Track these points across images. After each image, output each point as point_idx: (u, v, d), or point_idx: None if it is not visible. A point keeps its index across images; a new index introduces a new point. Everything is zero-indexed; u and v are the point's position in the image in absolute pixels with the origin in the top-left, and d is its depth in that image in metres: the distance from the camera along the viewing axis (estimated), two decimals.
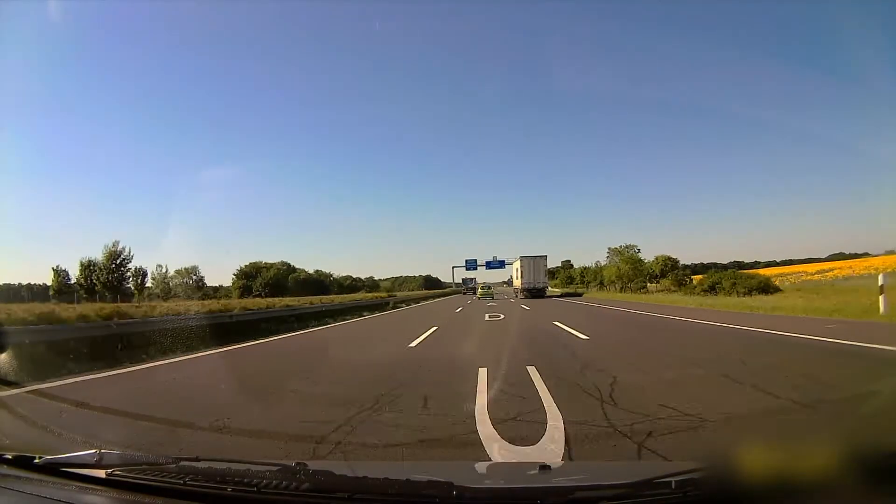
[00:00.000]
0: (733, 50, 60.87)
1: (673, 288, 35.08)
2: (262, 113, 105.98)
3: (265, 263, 56.98)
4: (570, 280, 64.73)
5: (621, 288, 41.22)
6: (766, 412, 3.48)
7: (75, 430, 3.32)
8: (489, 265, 68.57)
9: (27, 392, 4.83)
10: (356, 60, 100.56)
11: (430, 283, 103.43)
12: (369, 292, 56.71)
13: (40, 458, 1.50)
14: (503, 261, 66.78)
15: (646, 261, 42.21)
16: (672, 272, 38.21)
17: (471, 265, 70.89)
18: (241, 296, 47.05)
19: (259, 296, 41.71)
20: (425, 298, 42.68)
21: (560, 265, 78.58)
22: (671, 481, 1.19)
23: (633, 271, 40.66)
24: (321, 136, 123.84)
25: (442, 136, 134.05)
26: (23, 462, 1.52)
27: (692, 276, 37.35)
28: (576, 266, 71.77)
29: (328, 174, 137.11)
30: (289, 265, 63.39)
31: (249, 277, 54.88)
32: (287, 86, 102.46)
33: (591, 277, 53.43)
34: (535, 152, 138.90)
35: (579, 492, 1.21)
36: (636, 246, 44.54)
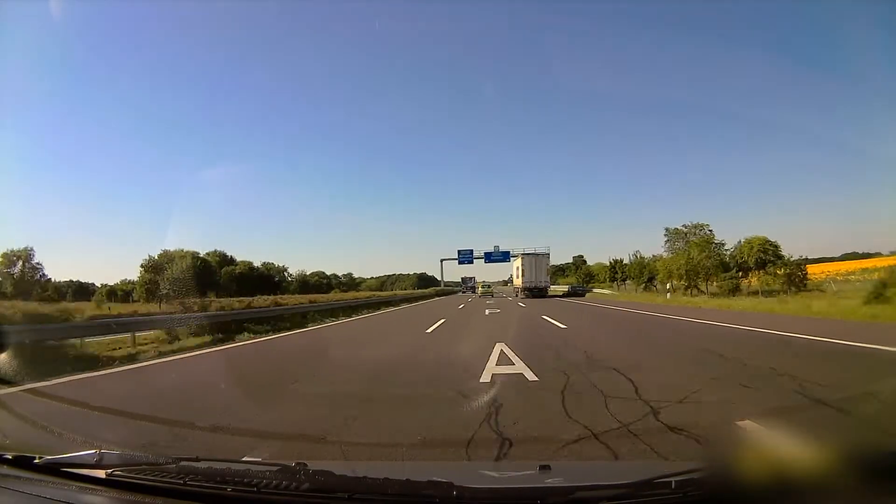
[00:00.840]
0: (737, 48, 60.70)
1: (774, 286, 24.22)
2: (240, 103, 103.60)
3: (182, 252, 40.63)
4: (588, 278, 53.51)
5: (688, 287, 29.06)
6: None
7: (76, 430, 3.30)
8: (489, 257, 56.20)
9: (27, 391, 4.83)
10: (342, 52, 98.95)
11: (425, 281, 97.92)
12: (345, 292, 44.41)
13: (40, 458, 1.50)
14: (507, 252, 54.53)
15: (725, 246, 29.14)
16: (777, 264, 25.91)
17: (465, 258, 58.03)
18: (148, 296, 34.50)
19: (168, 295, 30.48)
20: (367, 307, 23.19)
21: (571, 261, 70.47)
22: (671, 481, 1.19)
23: (709, 261, 27.87)
24: (303, 126, 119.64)
25: (440, 126, 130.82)
26: (23, 462, 1.52)
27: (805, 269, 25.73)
28: (590, 262, 62.12)
29: (313, 167, 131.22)
30: (224, 256, 49.30)
31: (159, 271, 38.05)
32: (263, 76, 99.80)
33: (634, 273, 39.93)
34: (538, 145, 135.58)
35: (579, 492, 1.21)
36: (707, 225, 30.73)
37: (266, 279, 47.42)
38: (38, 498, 1.36)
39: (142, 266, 41.28)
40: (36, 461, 1.50)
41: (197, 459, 1.48)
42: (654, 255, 37.51)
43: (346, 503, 1.20)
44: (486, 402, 3.90)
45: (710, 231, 30.21)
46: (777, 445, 2.80)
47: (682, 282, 30.04)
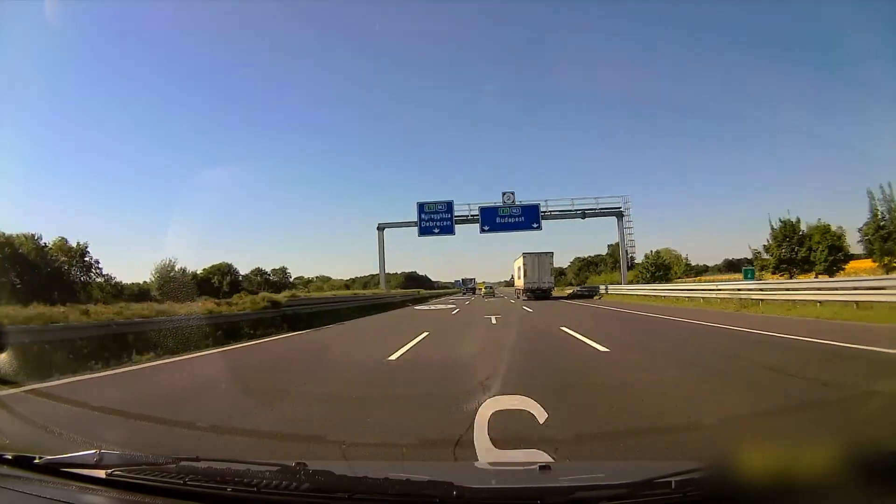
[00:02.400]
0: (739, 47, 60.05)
1: None
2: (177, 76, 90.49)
3: None
4: (663, 271, 34.21)
5: None
6: None
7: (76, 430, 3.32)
8: (490, 219, 33.12)
9: (27, 391, 4.83)
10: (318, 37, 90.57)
11: (415, 281, 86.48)
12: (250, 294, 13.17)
13: (40, 458, 1.50)
14: (535, 207, 33.13)
15: None
16: None
17: (437, 221, 32.89)
18: None
19: None
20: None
21: (608, 252, 52.90)
22: (671, 481, 1.19)
23: None
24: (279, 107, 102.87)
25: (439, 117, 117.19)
26: (23, 462, 1.52)
27: None
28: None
29: (291, 158, 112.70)
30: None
31: None
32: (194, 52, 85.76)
33: None
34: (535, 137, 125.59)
35: (579, 492, 1.21)
36: None
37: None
38: (38, 498, 1.36)
39: None
40: (36, 461, 1.50)
41: (197, 459, 1.48)
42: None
43: (346, 503, 1.20)
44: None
45: None
46: (777, 445, 2.80)
47: None
